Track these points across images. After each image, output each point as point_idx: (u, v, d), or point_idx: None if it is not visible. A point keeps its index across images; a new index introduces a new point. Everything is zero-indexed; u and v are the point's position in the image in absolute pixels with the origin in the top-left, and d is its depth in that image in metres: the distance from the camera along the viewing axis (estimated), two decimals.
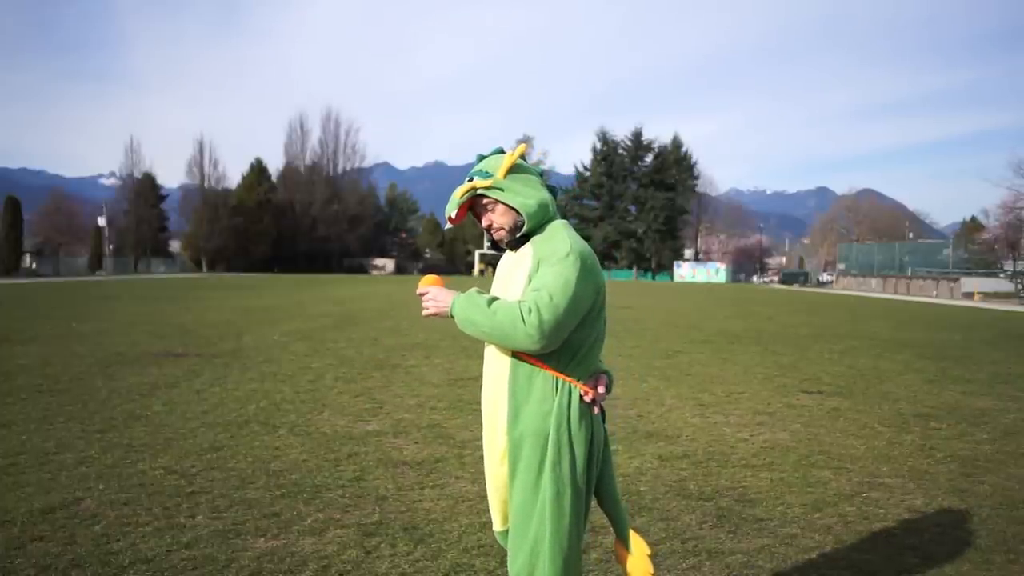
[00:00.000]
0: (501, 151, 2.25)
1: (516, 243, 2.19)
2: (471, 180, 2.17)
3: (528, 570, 2.08)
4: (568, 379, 2.10)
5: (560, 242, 2.09)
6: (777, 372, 8.82)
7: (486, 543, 3.33)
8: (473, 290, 2.12)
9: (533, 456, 2.09)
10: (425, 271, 73.07)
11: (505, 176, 2.15)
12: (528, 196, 2.14)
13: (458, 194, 2.17)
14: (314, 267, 67.62)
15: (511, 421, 2.12)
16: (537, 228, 2.16)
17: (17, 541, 3.28)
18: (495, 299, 2.08)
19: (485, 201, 2.17)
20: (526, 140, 78.80)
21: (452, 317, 2.11)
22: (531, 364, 2.10)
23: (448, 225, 2.29)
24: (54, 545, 3.25)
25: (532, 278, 2.08)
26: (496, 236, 2.20)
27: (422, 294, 2.18)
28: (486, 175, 2.16)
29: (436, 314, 2.16)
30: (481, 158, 2.24)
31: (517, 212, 2.15)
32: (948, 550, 3.41)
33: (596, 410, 2.16)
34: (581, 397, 2.12)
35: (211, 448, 4.89)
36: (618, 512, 2.27)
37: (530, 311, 1.97)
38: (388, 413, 6.10)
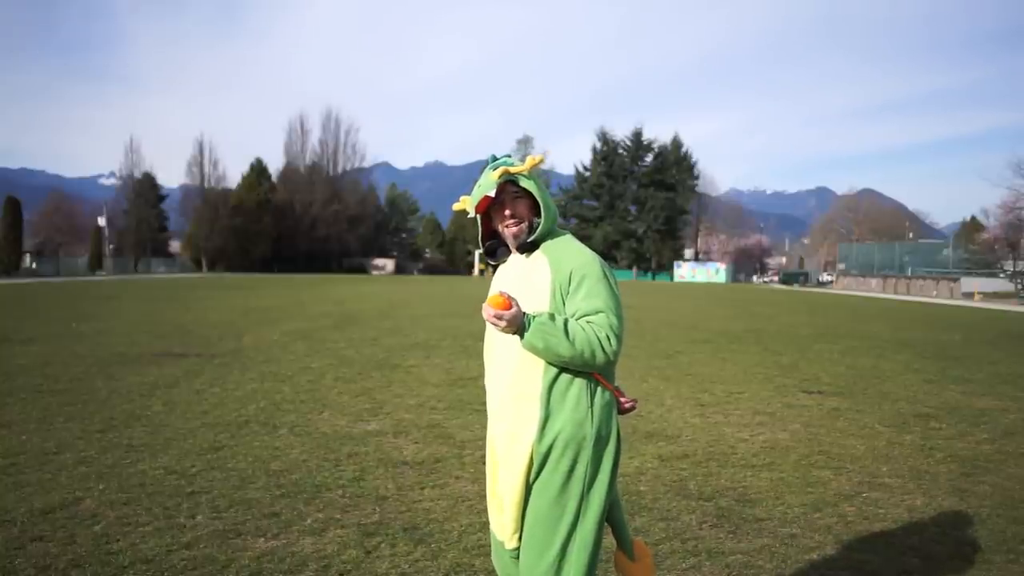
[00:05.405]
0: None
1: (526, 247, 2.16)
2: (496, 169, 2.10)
3: (554, 574, 2.02)
4: (608, 385, 2.09)
5: (587, 256, 2.10)
6: (777, 372, 8.82)
7: (486, 543, 3.31)
8: (545, 315, 2.01)
9: (562, 463, 2.02)
10: (425, 271, 72.94)
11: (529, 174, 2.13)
12: (548, 197, 2.16)
13: (495, 175, 2.07)
14: (314, 267, 67.57)
15: (543, 428, 2.04)
16: (547, 234, 2.15)
17: (17, 541, 3.28)
18: (565, 321, 2.00)
19: (513, 190, 2.12)
20: (525, 140, 78.68)
21: (519, 335, 2.01)
22: (571, 372, 2.04)
23: (472, 214, 2.17)
24: (54, 545, 3.25)
25: (565, 290, 2.05)
26: (513, 231, 2.14)
27: (496, 316, 1.98)
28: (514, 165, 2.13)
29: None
30: (495, 158, 2.20)
31: (536, 211, 2.14)
32: (948, 550, 3.41)
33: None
34: (620, 405, 2.13)
35: (211, 448, 4.89)
36: (621, 518, 2.26)
37: (608, 339, 1.99)
38: (388, 413, 6.10)
